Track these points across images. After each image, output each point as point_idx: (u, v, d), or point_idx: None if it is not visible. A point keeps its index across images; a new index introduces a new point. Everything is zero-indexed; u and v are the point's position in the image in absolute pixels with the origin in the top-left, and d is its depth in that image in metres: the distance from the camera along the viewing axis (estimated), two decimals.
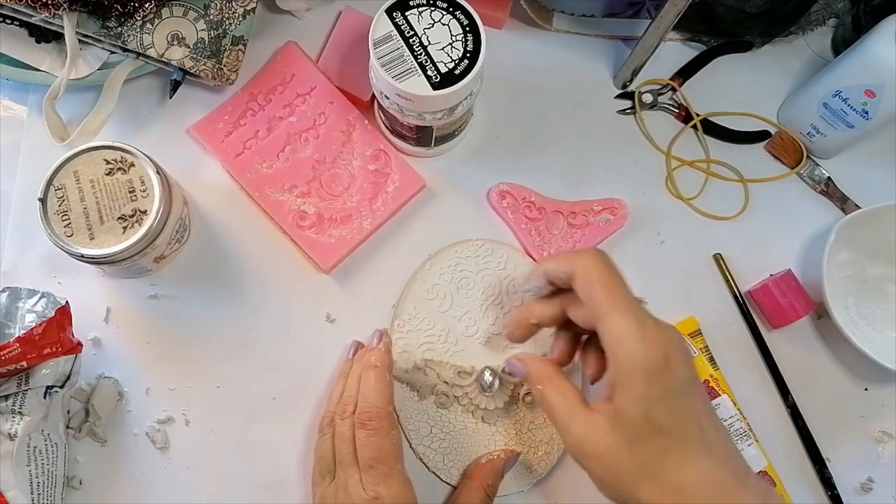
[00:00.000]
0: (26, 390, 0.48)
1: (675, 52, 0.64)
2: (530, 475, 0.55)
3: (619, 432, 0.41)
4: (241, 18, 0.57)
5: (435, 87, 0.48)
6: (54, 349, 0.48)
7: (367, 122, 0.59)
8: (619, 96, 0.63)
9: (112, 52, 0.56)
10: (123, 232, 0.49)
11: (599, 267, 0.44)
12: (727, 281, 0.60)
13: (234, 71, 0.58)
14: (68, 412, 0.53)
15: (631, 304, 0.42)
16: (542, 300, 0.49)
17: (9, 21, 0.55)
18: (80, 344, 0.51)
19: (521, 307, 0.51)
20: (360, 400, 0.50)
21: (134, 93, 0.59)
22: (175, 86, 0.57)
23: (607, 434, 0.41)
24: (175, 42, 0.55)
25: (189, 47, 0.56)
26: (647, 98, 0.63)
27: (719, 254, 0.60)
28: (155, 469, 0.54)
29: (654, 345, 0.41)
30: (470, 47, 0.49)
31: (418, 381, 0.55)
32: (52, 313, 0.49)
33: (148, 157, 0.50)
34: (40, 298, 0.51)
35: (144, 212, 0.49)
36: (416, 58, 0.49)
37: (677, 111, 0.63)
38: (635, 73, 0.62)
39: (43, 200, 0.49)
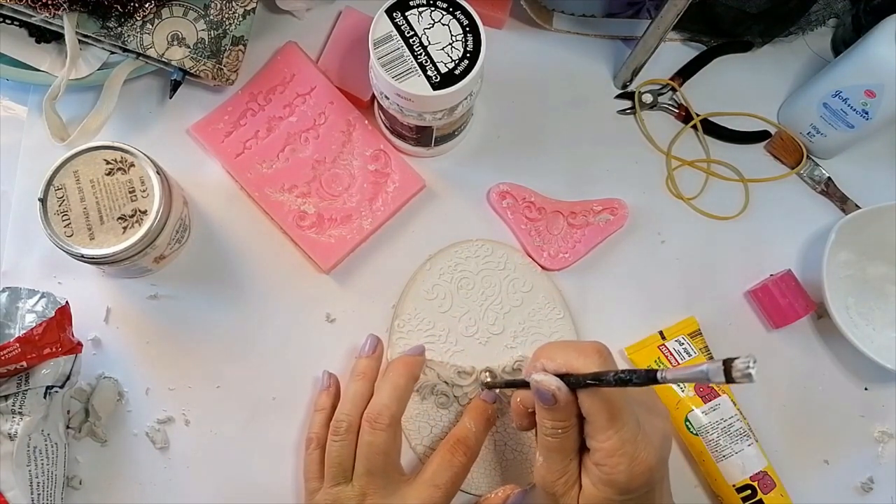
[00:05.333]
0: (26, 390, 0.48)
1: (675, 52, 0.64)
2: (530, 475, 0.55)
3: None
4: (241, 18, 0.57)
5: (435, 87, 0.48)
6: (54, 349, 0.48)
7: (367, 122, 0.59)
8: (619, 96, 0.63)
9: (112, 52, 0.56)
10: (123, 232, 0.49)
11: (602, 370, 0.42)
12: None
13: (234, 71, 0.58)
14: (68, 412, 0.53)
15: (627, 418, 0.41)
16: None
17: (9, 21, 0.55)
18: (80, 344, 0.51)
19: (515, 396, 0.47)
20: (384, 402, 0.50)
21: (134, 93, 0.59)
22: (175, 86, 0.57)
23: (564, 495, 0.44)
24: (175, 42, 0.55)
25: (189, 47, 0.56)
26: (647, 98, 0.63)
27: None
28: (155, 469, 0.54)
29: (643, 466, 0.41)
30: (470, 47, 0.49)
31: (418, 381, 0.55)
32: (52, 313, 0.49)
33: (148, 157, 0.50)
34: (40, 298, 0.51)
35: (144, 212, 0.49)
36: (416, 58, 0.49)
37: (677, 111, 0.63)
38: (635, 73, 0.62)
39: (43, 200, 0.49)
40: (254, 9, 0.57)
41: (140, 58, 0.56)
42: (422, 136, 0.55)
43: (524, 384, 0.46)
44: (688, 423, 0.55)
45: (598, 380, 0.40)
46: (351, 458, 0.49)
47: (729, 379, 0.32)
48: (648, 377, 0.38)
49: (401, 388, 0.51)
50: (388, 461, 0.49)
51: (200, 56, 0.56)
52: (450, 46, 0.49)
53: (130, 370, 0.55)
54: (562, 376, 0.42)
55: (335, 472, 0.49)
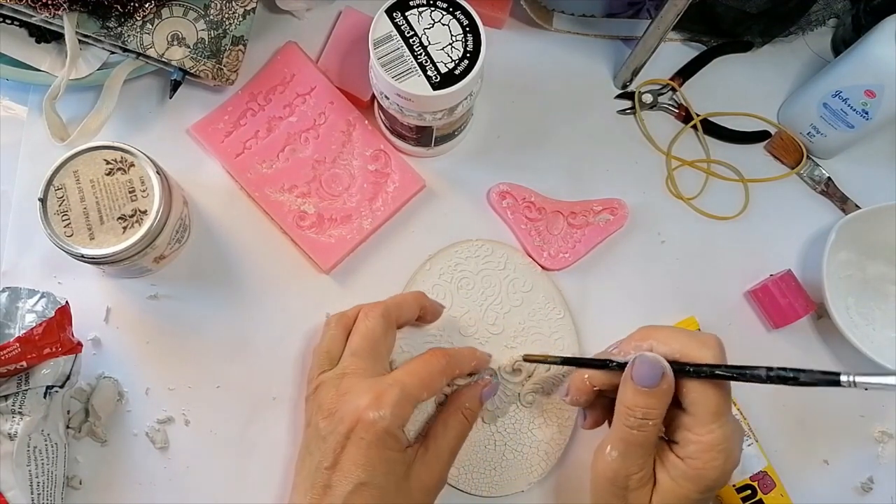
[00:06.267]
0: (26, 390, 0.48)
1: (675, 52, 0.64)
2: (530, 475, 0.55)
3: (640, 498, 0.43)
4: (241, 18, 0.57)
5: (435, 87, 0.48)
6: (54, 349, 0.48)
7: (367, 122, 0.59)
8: (619, 96, 0.63)
9: (112, 52, 0.56)
10: (123, 232, 0.49)
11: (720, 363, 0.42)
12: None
13: (234, 71, 0.58)
14: (68, 412, 0.53)
15: (730, 414, 0.41)
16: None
17: (9, 21, 0.55)
18: (80, 344, 0.51)
19: (582, 372, 0.47)
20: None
21: (134, 93, 0.59)
22: (175, 86, 0.57)
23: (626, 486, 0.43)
24: (175, 42, 0.55)
25: (189, 47, 0.56)
26: (647, 98, 0.63)
27: None
28: (155, 469, 0.54)
29: (733, 464, 0.41)
30: (470, 47, 0.49)
31: None
32: (52, 313, 0.49)
33: (148, 157, 0.50)
34: (40, 298, 0.51)
35: (144, 212, 0.49)
36: (416, 58, 0.49)
37: (677, 111, 0.63)
38: (635, 73, 0.62)
39: (43, 200, 0.49)
40: (254, 9, 0.57)
41: (140, 58, 0.56)
42: (422, 136, 0.55)
43: (589, 364, 0.46)
44: None
45: (739, 374, 0.39)
46: (339, 348, 0.49)
47: None
48: (828, 380, 0.37)
49: (406, 299, 0.51)
50: (375, 348, 0.48)
51: (200, 56, 0.56)
52: (450, 46, 0.49)
53: (130, 370, 0.55)
54: (672, 363, 0.41)
55: (322, 361, 0.49)
